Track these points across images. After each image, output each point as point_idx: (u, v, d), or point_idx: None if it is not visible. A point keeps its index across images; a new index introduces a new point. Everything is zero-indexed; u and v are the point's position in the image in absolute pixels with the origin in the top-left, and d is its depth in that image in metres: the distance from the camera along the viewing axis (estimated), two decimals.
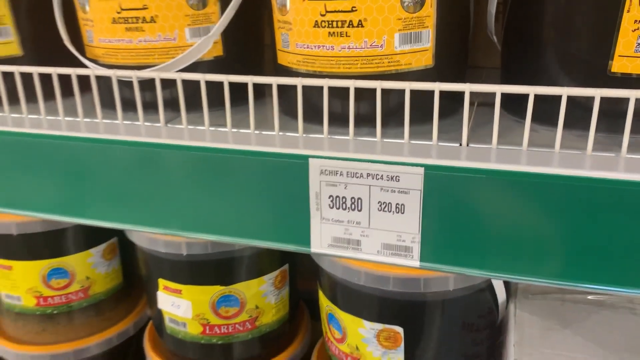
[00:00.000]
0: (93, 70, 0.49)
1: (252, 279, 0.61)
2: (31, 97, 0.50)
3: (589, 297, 0.54)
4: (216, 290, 0.60)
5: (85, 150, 0.47)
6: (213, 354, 0.64)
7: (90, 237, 0.67)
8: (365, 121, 0.45)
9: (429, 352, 0.53)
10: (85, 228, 0.66)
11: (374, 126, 0.43)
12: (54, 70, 0.49)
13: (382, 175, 0.40)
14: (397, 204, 0.40)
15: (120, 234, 0.71)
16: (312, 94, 0.45)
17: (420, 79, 0.44)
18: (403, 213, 0.40)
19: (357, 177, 0.41)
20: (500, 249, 0.39)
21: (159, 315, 0.65)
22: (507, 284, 0.55)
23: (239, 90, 0.45)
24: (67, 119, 0.50)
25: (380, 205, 0.41)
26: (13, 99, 0.52)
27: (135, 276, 0.76)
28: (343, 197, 0.42)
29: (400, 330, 0.52)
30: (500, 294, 0.53)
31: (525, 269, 0.39)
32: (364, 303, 0.53)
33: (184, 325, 0.62)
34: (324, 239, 0.43)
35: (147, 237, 0.59)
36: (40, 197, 0.50)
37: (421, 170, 0.39)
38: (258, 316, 0.63)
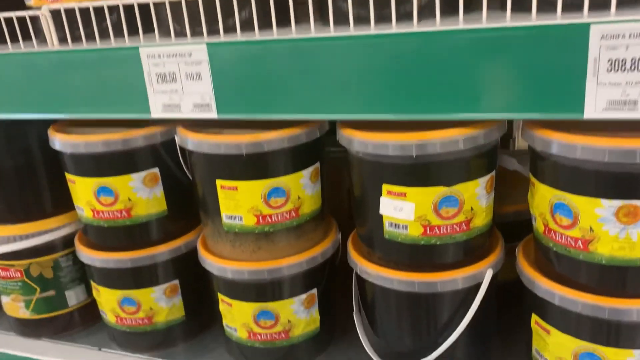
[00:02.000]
0: None
1: (469, 180, 0.65)
2: None
3: None
4: (439, 191, 0.65)
5: None
6: (430, 255, 0.69)
7: (302, 159, 0.73)
8: None
9: None
10: (298, 150, 0.72)
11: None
12: None
13: None
14: None
15: (321, 159, 0.77)
16: None
17: None
18: None
19: None
20: None
21: (373, 224, 0.70)
22: None
23: None
24: None
25: None
26: None
27: (326, 202, 0.82)
28: (623, 59, 0.46)
29: None
30: None
31: None
32: (604, 182, 0.56)
33: (404, 227, 0.67)
34: (598, 104, 0.48)
35: (374, 143, 0.64)
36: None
37: None
38: (472, 218, 0.67)
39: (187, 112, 0.63)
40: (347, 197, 1.00)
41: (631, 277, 0.59)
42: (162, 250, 0.84)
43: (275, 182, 0.72)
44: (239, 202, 0.73)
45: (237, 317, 0.80)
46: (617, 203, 0.56)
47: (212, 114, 0.62)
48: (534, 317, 0.68)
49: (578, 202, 0.59)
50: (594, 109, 0.48)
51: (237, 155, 0.70)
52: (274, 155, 0.71)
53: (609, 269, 0.60)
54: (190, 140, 0.73)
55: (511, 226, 0.80)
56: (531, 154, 0.65)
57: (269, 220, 0.74)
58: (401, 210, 0.67)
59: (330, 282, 0.85)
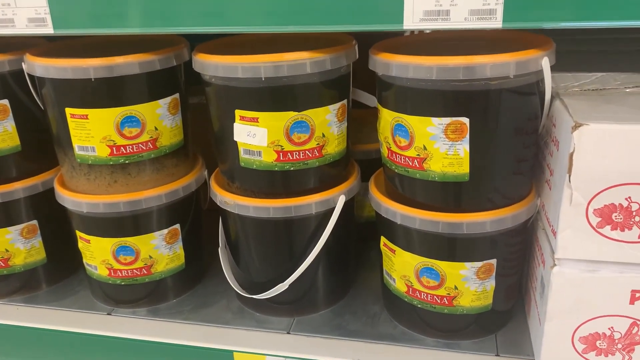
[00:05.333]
0: None
1: (319, 106, 0.67)
2: None
3: (627, 89, 0.63)
4: (290, 115, 0.66)
5: None
6: (285, 181, 0.70)
7: (158, 88, 0.72)
8: None
9: (489, 142, 0.61)
10: (153, 77, 0.71)
11: None
12: None
13: None
14: None
15: (181, 91, 0.76)
16: None
17: None
18: None
19: None
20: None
21: (230, 154, 0.71)
22: None
23: None
24: None
25: None
26: None
27: (189, 139, 0.81)
28: None
29: (466, 120, 0.59)
30: (548, 88, 0.61)
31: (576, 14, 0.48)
32: (434, 100, 0.60)
33: (259, 154, 0.68)
34: (415, 14, 0.50)
35: (225, 65, 0.64)
36: None
37: None
38: (324, 145, 0.69)
39: (22, 28, 0.60)
40: None
41: (461, 192, 0.64)
42: (16, 188, 0.80)
43: (128, 110, 0.70)
44: (91, 131, 0.71)
45: (97, 254, 0.78)
46: (445, 121, 0.60)
47: (49, 29, 0.59)
48: (383, 239, 0.72)
49: (413, 122, 0.62)
50: (412, 20, 0.51)
51: (85, 80, 0.68)
52: (125, 81, 0.69)
53: (441, 185, 0.64)
54: (37, 65, 0.69)
55: (375, 163, 0.83)
56: (377, 82, 0.68)
57: (124, 151, 0.72)
58: (254, 136, 0.68)
59: (198, 220, 0.85)
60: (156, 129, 0.73)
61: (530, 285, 0.72)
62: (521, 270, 0.73)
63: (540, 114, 0.64)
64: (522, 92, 0.60)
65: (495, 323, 0.72)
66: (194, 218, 0.83)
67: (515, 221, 0.65)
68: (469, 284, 0.67)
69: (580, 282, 0.58)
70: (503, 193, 0.65)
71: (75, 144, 0.72)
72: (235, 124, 0.68)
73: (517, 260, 0.70)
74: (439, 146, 0.61)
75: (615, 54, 0.87)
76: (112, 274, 0.79)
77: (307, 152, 0.69)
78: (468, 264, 0.66)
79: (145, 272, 0.79)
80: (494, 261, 0.67)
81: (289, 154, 0.68)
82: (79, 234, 0.78)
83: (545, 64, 0.59)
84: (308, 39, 0.73)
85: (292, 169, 0.69)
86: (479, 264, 0.66)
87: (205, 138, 0.85)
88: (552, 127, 0.63)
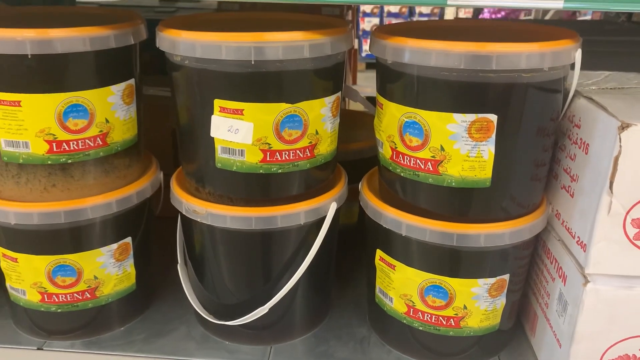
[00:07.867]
0: None
1: (315, 98, 0.57)
2: None
3: None
4: (282, 108, 0.55)
5: None
6: (269, 186, 0.59)
7: (111, 71, 0.59)
8: None
9: (515, 143, 0.54)
10: (105, 57, 0.57)
11: None
12: None
13: None
14: None
15: (136, 77, 0.63)
16: None
17: None
18: None
19: None
20: None
21: (203, 153, 0.59)
22: None
23: None
24: None
25: None
26: None
27: (142, 135, 0.68)
28: None
29: (493, 118, 0.52)
30: (574, 84, 0.55)
31: None
32: (458, 94, 0.52)
33: (241, 153, 0.57)
34: None
35: (204, 44, 0.52)
36: None
37: None
38: (317, 144, 0.59)
39: None
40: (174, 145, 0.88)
41: (478, 200, 0.56)
42: None
43: (74, 96, 0.56)
44: (25, 122, 0.56)
45: (26, 275, 0.62)
46: (470, 117, 0.52)
47: None
48: (379, 253, 0.63)
49: (429, 118, 0.54)
50: None
51: (19, 57, 0.53)
52: (71, 60, 0.55)
53: (458, 192, 0.56)
54: None
55: (354, 166, 0.74)
56: (380, 71, 0.59)
57: (66, 148, 0.58)
58: (237, 131, 0.56)
59: (150, 232, 0.71)
60: (107, 121, 0.60)
61: (535, 302, 0.66)
62: (524, 285, 0.67)
63: (560, 114, 0.58)
64: (550, 88, 0.54)
65: (499, 344, 0.66)
66: (146, 229, 0.70)
67: (533, 232, 0.59)
68: (479, 303, 0.60)
69: (616, 299, 0.52)
70: (519, 201, 0.58)
71: (2, 138, 0.57)
72: (213, 117, 0.56)
73: (524, 274, 0.64)
74: (460, 147, 0.53)
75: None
76: (46, 300, 0.64)
77: (298, 151, 0.58)
78: (481, 281, 0.59)
79: (89, 296, 0.64)
80: (507, 276, 0.60)
81: (277, 153, 0.57)
82: (2, 251, 0.63)
83: (578, 56, 0.53)
84: (291, 22, 0.63)
85: (279, 171, 0.59)
86: (492, 280, 0.59)
87: (149, 135, 0.72)
88: (574, 128, 0.57)
